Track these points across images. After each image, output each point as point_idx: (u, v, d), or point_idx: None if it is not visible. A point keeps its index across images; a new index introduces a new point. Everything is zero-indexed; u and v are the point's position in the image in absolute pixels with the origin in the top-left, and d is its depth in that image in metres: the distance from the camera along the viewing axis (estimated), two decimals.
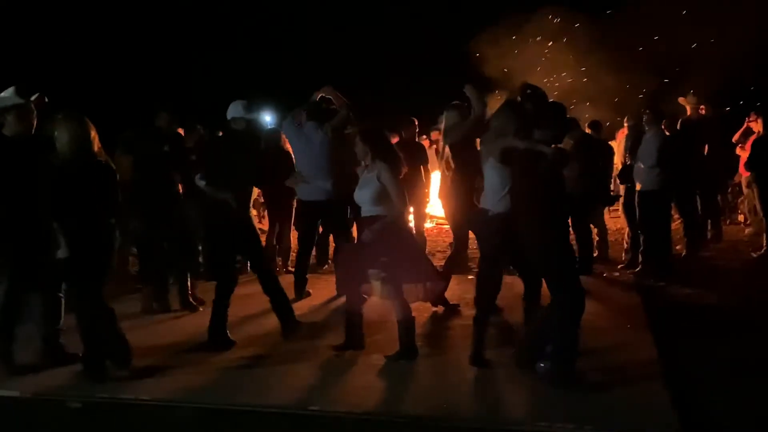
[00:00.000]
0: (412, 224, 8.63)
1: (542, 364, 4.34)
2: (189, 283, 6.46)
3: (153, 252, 6.39)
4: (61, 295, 5.01)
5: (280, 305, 5.57)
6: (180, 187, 6.32)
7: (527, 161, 4.29)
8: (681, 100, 9.21)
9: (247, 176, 5.44)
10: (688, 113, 9.08)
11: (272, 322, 5.86)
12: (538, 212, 4.28)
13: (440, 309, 6.17)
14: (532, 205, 4.32)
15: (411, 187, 8.04)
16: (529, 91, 4.65)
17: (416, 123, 8.44)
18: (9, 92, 4.83)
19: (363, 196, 4.89)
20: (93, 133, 4.63)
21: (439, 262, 8.59)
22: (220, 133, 6.33)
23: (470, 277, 7.31)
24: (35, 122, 4.87)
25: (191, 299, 6.44)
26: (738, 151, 9.54)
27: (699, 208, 8.61)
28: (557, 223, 4.28)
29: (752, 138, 8.85)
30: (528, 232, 4.35)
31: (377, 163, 4.86)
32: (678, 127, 8.58)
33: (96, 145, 4.64)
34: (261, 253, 5.71)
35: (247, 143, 5.62)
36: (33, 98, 4.89)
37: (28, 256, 4.75)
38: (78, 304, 4.70)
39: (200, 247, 6.85)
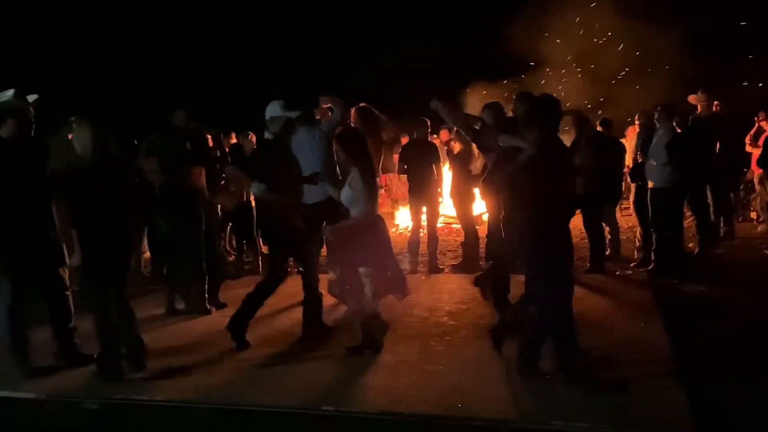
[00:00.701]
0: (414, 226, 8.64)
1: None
2: (207, 287, 6.47)
3: (170, 252, 6.42)
4: (68, 293, 5.02)
5: (311, 306, 5.65)
6: (204, 183, 6.38)
7: (506, 157, 4.33)
8: (691, 98, 9.14)
9: (294, 177, 5.46)
10: (699, 111, 9.02)
11: (285, 323, 5.89)
12: (517, 205, 4.31)
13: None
14: (509, 199, 4.37)
15: (423, 186, 8.09)
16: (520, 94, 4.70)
17: (428, 122, 8.46)
18: (8, 95, 4.82)
19: (343, 198, 4.99)
20: (111, 137, 4.66)
21: (450, 261, 8.62)
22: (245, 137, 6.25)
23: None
24: (34, 125, 4.86)
25: (207, 304, 6.45)
26: (749, 148, 9.49)
27: (711, 205, 8.56)
28: (538, 216, 4.23)
29: (764, 135, 8.80)
30: (508, 226, 4.42)
31: (352, 167, 4.92)
32: (689, 124, 8.54)
33: (113, 148, 4.67)
34: (310, 253, 5.77)
35: (289, 144, 5.63)
36: (32, 101, 4.89)
37: (27, 258, 4.76)
38: (95, 306, 4.70)
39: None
